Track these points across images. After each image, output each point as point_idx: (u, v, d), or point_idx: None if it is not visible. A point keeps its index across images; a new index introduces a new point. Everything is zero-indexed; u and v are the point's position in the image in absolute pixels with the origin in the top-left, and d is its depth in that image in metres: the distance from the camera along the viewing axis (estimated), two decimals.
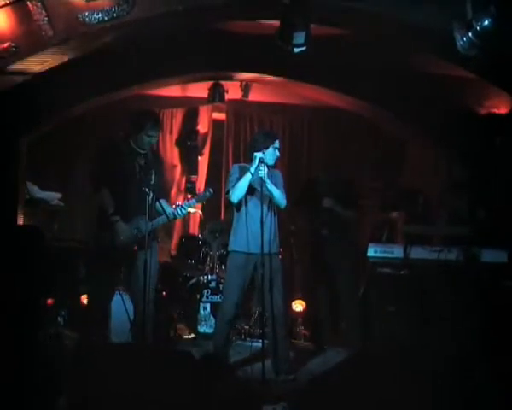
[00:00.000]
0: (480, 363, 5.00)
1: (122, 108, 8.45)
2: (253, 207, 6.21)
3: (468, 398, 4.19)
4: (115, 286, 6.50)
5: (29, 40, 5.76)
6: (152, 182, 5.92)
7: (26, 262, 4.51)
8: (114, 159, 6.06)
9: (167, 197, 6.64)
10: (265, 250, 6.02)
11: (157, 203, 6.17)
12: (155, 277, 6.19)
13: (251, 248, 6.19)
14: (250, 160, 6.18)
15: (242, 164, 6.47)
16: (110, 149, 6.23)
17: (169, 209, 6.20)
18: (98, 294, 6.22)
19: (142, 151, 6.14)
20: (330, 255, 7.43)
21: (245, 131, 9.76)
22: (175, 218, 6.28)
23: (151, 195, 5.96)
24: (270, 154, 6.20)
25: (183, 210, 6.20)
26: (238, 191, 6.19)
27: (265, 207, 6.13)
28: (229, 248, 6.46)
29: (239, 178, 6.20)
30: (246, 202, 6.27)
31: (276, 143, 6.29)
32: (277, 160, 6.39)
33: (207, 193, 6.45)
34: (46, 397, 4.32)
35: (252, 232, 6.17)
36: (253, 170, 6.08)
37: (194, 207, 9.44)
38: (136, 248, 6.00)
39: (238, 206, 6.30)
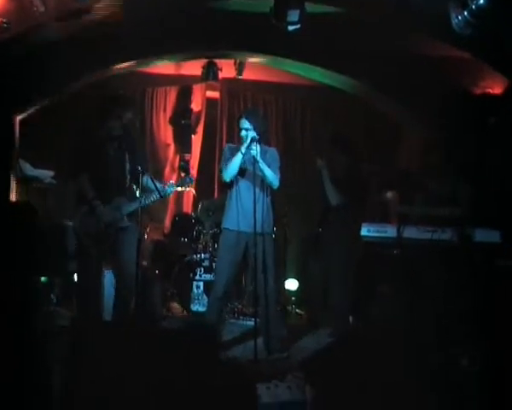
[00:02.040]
0: (473, 342, 5.03)
1: (115, 85, 8.40)
2: (245, 187, 6.22)
3: (460, 378, 4.22)
4: (101, 266, 6.52)
5: (20, 16, 5.71)
6: (127, 165, 6.07)
7: (19, 239, 4.49)
8: (89, 144, 6.10)
9: (159, 176, 6.62)
10: (257, 230, 6.01)
11: (145, 180, 6.20)
12: (134, 256, 6.16)
13: (241, 226, 6.19)
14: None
15: (235, 145, 6.43)
16: (84, 134, 6.24)
17: (158, 185, 6.22)
18: (85, 273, 6.23)
19: (114, 133, 6.14)
20: (326, 235, 7.43)
21: (239, 109, 9.68)
22: (154, 201, 6.25)
23: (128, 176, 6.05)
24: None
25: (158, 193, 6.18)
26: (230, 170, 6.18)
27: (258, 187, 6.11)
28: (221, 226, 6.46)
29: (230, 158, 6.18)
30: (237, 182, 6.26)
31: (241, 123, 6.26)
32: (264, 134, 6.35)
33: (187, 179, 6.47)
34: (41, 377, 4.33)
35: (242, 211, 6.18)
36: (243, 149, 6.06)
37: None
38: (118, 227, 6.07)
39: (230, 185, 6.29)
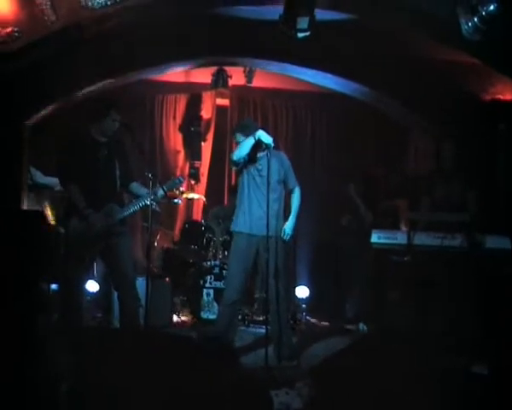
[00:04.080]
0: (484, 350, 5.01)
1: (125, 93, 8.43)
2: (255, 190, 6.21)
3: (470, 384, 4.20)
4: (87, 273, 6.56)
5: (32, 25, 5.74)
6: (117, 171, 6.05)
7: (29, 247, 4.50)
8: (77, 153, 6.00)
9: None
10: (270, 233, 5.99)
11: (132, 186, 6.25)
12: (131, 261, 6.26)
13: (252, 229, 6.19)
14: None
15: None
16: (72, 143, 6.16)
17: (142, 192, 6.18)
18: (75, 279, 6.22)
19: (104, 140, 6.11)
20: (347, 242, 7.47)
21: (249, 116, 9.71)
22: (145, 206, 6.15)
23: (118, 183, 6.08)
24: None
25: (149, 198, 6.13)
26: (240, 151, 6.19)
27: (270, 191, 6.08)
28: (231, 229, 6.47)
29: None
30: (249, 185, 6.25)
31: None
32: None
33: (177, 181, 6.44)
34: (49, 383, 4.33)
35: (254, 214, 6.18)
36: (257, 136, 6.07)
37: (197, 193, 9.50)
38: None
39: (241, 188, 6.29)
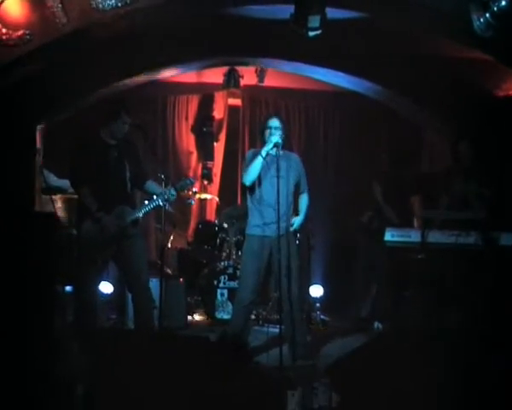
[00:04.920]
0: (499, 346, 4.97)
1: (137, 95, 8.44)
2: (267, 191, 6.18)
3: (485, 384, 4.18)
4: (102, 275, 6.55)
5: (43, 28, 5.75)
6: (127, 173, 6.06)
7: (42, 249, 4.52)
8: (88, 156, 6.01)
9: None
10: (281, 232, 5.97)
11: (147, 185, 6.27)
12: (144, 263, 6.27)
13: (266, 231, 6.17)
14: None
15: (258, 149, 6.42)
16: (83, 147, 6.17)
17: (158, 190, 6.17)
18: (88, 281, 6.23)
19: (114, 142, 6.11)
20: (364, 240, 7.45)
21: (260, 116, 9.69)
22: (156, 207, 6.17)
23: (128, 184, 6.08)
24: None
25: (161, 199, 6.12)
26: (250, 174, 6.15)
27: (281, 191, 6.05)
28: (245, 232, 6.47)
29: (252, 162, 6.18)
30: (260, 186, 6.23)
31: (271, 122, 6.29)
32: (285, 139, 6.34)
33: (188, 181, 6.43)
34: (65, 385, 4.35)
35: (266, 216, 6.15)
36: (264, 153, 6.05)
37: (210, 194, 9.51)
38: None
39: (253, 189, 6.27)
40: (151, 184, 6.30)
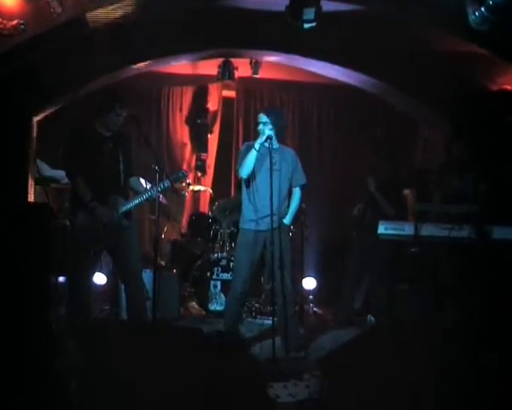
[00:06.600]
0: (492, 340, 5.00)
1: (131, 86, 8.42)
2: (261, 184, 6.19)
3: (480, 375, 4.19)
4: (95, 266, 6.50)
5: (38, 18, 5.74)
6: (121, 165, 6.05)
7: (36, 239, 4.51)
8: (83, 147, 6.00)
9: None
10: (274, 225, 6.00)
11: (132, 181, 6.25)
12: (138, 254, 6.31)
13: (259, 225, 6.20)
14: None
15: (252, 142, 6.42)
16: (78, 137, 6.15)
17: (141, 188, 6.21)
18: (79, 273, 6.22)
19: (109, 134, 6.10)
20: (363, 235, 7.43)
21: (255, 108, 9.70)
22: (149, 198, 6.15)
23: (122, 176, 6.08)
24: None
25: (153, 191, 6.11)
26: (245, 167, 6.17)
27: (275, 184, 6.06)
28: (239, 226, 6.48)
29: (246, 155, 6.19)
30: (254, 179, 6.25)
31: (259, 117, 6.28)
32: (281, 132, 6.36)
33: (180, 174, 6.42)
34: (58, 378, 4.35)
35: (260, 210, 6.17)
36: (257, 145, 6.07)
37: (204, 185, 9.51)
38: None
39: (247, 183, 6.28)
40: (136, 181, 6.29)
